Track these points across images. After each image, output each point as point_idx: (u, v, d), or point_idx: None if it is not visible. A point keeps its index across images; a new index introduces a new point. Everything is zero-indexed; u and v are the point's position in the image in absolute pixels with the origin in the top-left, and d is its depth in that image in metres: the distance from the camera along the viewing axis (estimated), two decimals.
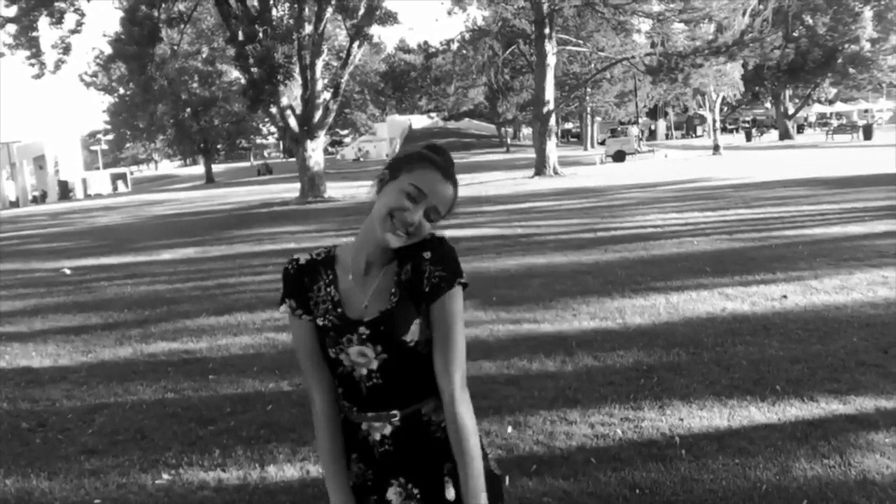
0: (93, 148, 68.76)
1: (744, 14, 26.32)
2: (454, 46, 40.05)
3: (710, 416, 4.13)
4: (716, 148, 36.51)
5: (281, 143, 72.41)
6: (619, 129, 45.30)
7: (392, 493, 1.71)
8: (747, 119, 64.40)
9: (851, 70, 46.97)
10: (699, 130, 63.09)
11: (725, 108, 56.19)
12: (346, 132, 73.60)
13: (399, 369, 1.69)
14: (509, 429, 4.11)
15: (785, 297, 6.74)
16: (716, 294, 7.03)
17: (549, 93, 28.20)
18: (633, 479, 3.44)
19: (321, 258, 1.79)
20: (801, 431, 3.85)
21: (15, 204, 42.84)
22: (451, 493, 1.69)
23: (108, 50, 37.90)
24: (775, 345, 5.34)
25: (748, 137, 51.60)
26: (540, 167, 27.70)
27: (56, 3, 21.69)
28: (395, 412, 1.70)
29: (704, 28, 28.26)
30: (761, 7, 28.69)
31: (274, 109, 22.65)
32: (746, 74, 41.50)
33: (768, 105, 60.07)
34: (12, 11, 21.38)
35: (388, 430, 1.71)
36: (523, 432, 4.05)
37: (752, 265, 8.28)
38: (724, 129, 49.40)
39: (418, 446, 1.71)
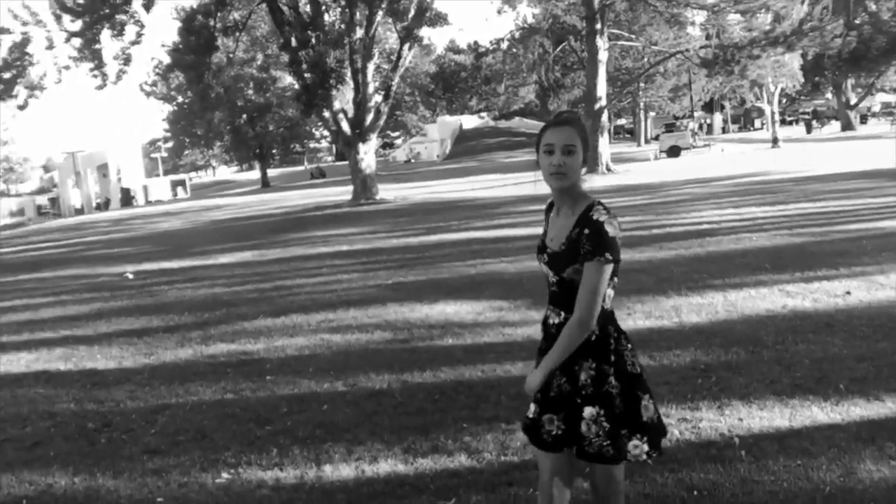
0: (153, 155, 70.74)
1: (802, 2, 25.57)
2: (504, 45, 39.87)
3: (770, 416, 4.03)
4: (774, 141, 35.55)
5: (333, 146, 73.31)
6: (677, 123, 44.46)
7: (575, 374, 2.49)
8: (807, 110, 62.50)
9: None
10: (757, 123, 61.50)
11: (784, 100, 54.78)
12: (397, 134, 74.06)
13: (562, 288, 2.47)
14: None
15: (849, 293, 6.53)
16: (776, 291, 6.84)
17: (601, 89, 27.89)
18: (691, 481, 3.38)
19: (550, 203, 2.61)
20: (866, 432, 3.72)
21: (80, 211, 44.40)
22: (581, 377, 2.44)
23: (167, 60, 38.97)
24: (838, 342, 5.17)
25: (808, 129, 50.05)
26: (592, 164, 27.41)
27: (117, 16, 22.39)
28: (560, 311, 2.49)
29: (761, 18, 27.57)
30: None
31: (327, 113, 22.95)
32: (806, 64, 40.35)
33: (829, 95, 58.21)
34: (77, 26, 22.16)
35: (556, 320, 2.51)
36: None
37: (814, 261, 8.04)
38: (783, 122, 48.07)
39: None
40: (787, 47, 25.86)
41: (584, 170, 2.51)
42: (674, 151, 35.58)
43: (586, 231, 2.38)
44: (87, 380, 6.07)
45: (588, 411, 2.40)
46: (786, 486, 3.27)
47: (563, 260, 2.43)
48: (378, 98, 23.84)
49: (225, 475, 3.93)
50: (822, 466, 3.41)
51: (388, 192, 25.46)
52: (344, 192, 27.17)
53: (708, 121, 59.02)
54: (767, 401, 4.23)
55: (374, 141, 24.70)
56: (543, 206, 2.64)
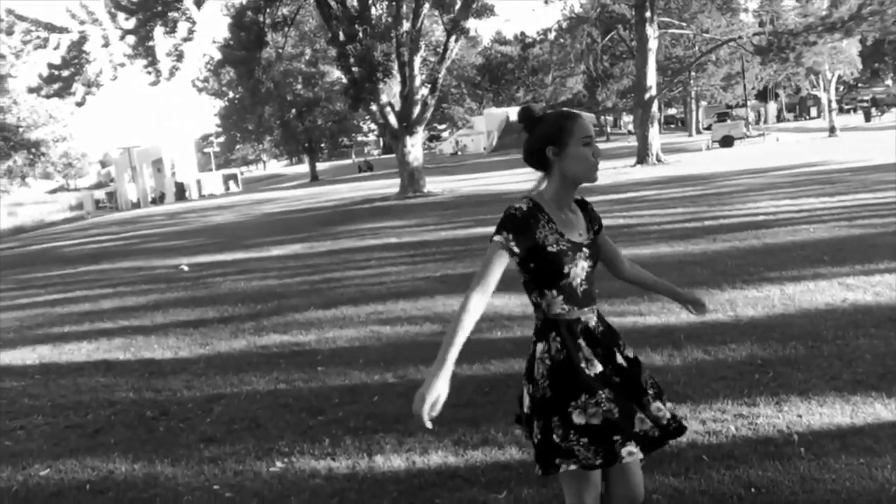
0: (206, 150, 72.13)
1: None
2: (551, 35, 39.52)
3: (831, 412, 3.91)
4: (832, 130, 34.54)
5: (381, 139, 73.72)
6: (732, 112, 43.49)
7: (619, 357, 2.42)
8: (866, 98, 60.53)
9: None
10: (813, 112, 59.81)
11: (842, 88, 53.10)
12: (443, 127, 74.09)
13: (592, 277, 2.43)
14: None
15: None
16: (835, 284, 6.65)
17: (651, 78, 27.43)
18: (749, 478, 3.30)
19: (532, 206, 2.32)
20: None
21: (136, 205, 45.54)
22: (630, 352, 2.48)
23: (218, 56, 39.66)
24: None
25: (867, 118, 48.47)
26: (642, 155, 27.02)
27: (170, 14, 22.88)
28: (594, 307, 2.42)
29: (817, 3, 26.77)
30: None
31: (374, 107, 23.08)
32: (865, 50, 39.04)
33: (889, 83, 56.29)
34: (131, 23, 22.71)
35: (594, 319, 2.41)
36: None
37: (875, 253, 7.78)
38: (840, 110, 46.64)
39: (608, 327, 2.51)
40: (846, 33, 25.06)
41: None
42: (727, 141, 34.85)
43: (591, 210, 2.56)
44: (145, 369, 6.24)
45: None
46: (848, 486, 3.17)
47: (596, 248, 2.48)
48: (425, 91, 23.87)
49: (279, 464, 3.99)
50: (888, 466, 3.29)
51: (436, 185, 25.50)
52: (391, 185, 27.30)
53: (761, 110, 57.63)
54: (828, 397, 4.11)
55: (420, 134, 24.75)
56: (530, 205, 2.31)
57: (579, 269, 2.33)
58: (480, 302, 2.21)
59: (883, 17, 24.41)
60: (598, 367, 2.30)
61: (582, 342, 2.32)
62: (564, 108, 2.36)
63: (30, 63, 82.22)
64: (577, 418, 2.21)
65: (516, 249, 2.25)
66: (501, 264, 2.25)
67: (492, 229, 2.33)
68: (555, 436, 2.21)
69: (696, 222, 11.48)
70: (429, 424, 2.15)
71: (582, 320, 2.35)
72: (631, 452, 2.20)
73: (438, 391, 2.17)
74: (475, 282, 2.23)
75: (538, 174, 2.42)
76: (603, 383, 2.27)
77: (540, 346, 2.35)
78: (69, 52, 22.77)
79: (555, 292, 2.33)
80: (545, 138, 2.33)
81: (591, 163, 2.33)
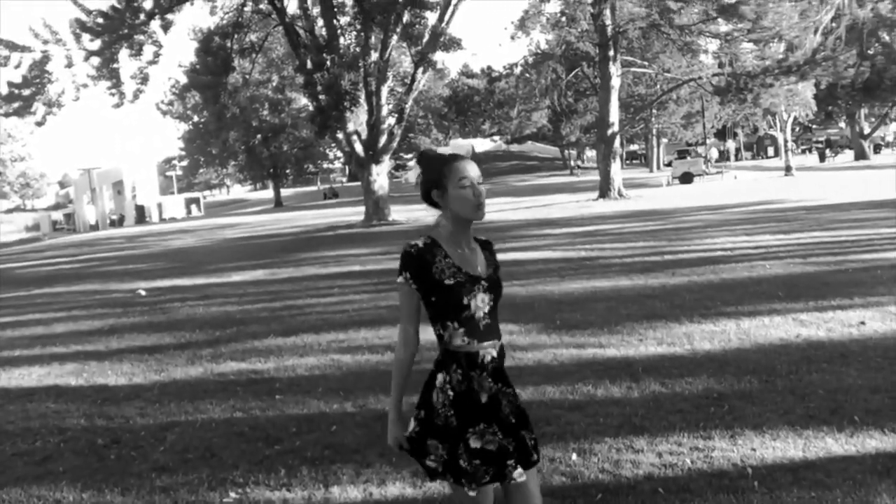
0: (168, 173, 71.28)
1: (816, 32, 25.64)
2: (517, 70, 40.16)
3: (784, 446, 3.98)
4: (788, 169, 35.49)
5: (347, 167, 73.68)
6: (692, 150, 44.42)
7: (508, 390, 2.51)
8: (820, 139, 62.38)
9: None
10: (770, 151, 61.42)
11: (797, 128, 54.67)
12: (409, 156, 74.31)
13: (495, 312, 2.51)
14: (574, 456, 4.04)
15: (863, 323, 6.47)
16: (789, 320, 6.79)
17: (614, 115, 27.96)
18: None
19: (429, 242, 2.46)
20: (881, 465, 3.67)
21: (95, 227, 44.74)
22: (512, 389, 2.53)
23: (184, 80, 39.42)
24: (853, 373, 5.12)
25: (822, 158, 49.93)
26: (604, 190, 27.42)
27: (136, 36, 22.71)
28: (496, 341, 2.50)
29: (774, 47, 27.62)
30: (834, 25, 27.87)
31: (340, 135, 23.13)
32: (819, 93, 40.27)
33: (842, 125, 58.17)
34: (96, 45, 22.48)
35: (493, 353, 2.48)
36: (588, 460, 3.98)
37: (828, 290, 7.98)
38: (796, 150, 47.97)
39: (502, 363, 2.55)
40: (800, 76, 25.92)
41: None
42: (686, 178, 35.54)
43: (491, 248, 2.68)
44: (98, 395, 6.09)
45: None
46: None
47: (498, 283, 2.55)
48: (391, 120, 24.01)
49: (233, 494, 3.91)
50: (838, 499, 3.36)
51: (401, 214, 25.52)
52: (356, 213, 27.27)
53: (721, 148, 58.99)
54: (781, 431, 4.18)
55: (386, 163, 24.82)
56: (428, 241, 2.47)
57: (480, 302, 2.44)
58: (410, 340, 2.47)
59: (836, 62, 25.35)
60: (488, 398, 2.47)
61: (480, 374, 2.45)
62: (447, 153, 2.67)
63: None
64: (474, 443, 2.39)
65: (415, 286, 2.43)
66: (414, 299, 2.46)
67: None
68: (461, 461, 2.38)
69: (656, 256, 11.67)
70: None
71: (481, 353, 2.45)
72: (521, 474, 2.42)
73: (395, 435, 2.51)
74: (401, 324, 2.46)
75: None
76: (496, 413, 2.45)
77: (440, 377, 2.46)
78: (31, 72, 22.42)
79: (456, 324, 2.43)
80: (429, 182, 2.51)
81: (472, 202, 2.45)
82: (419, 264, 2.42)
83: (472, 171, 2.47)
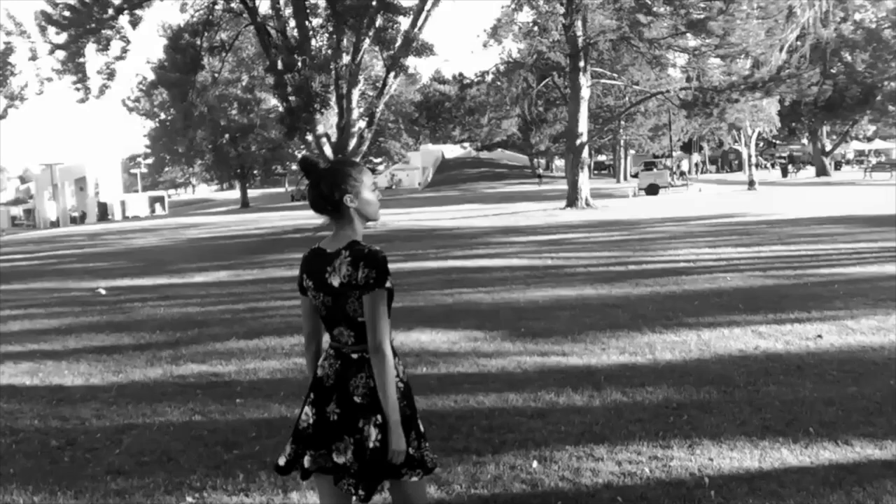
0: (132, 171, 70.19)
1: (781, 50, 26.20)
2: (489, 78, 40.36)
3: (740, 457, 4.04)
4: (751, 183, 36.14)
5: None
6: (660, 162, 45.01)
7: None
8: (783, 155, 63.71)
9: (891, 108, 46.47)
10: (734, 165, 62.52)
11: (761, 144, 55.70)
12: (379, 160, 74.08)
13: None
14: (534, 463, 4.05)
15: (820, 336, 6.61)
16: (748, 332, 6.91)
17: (583, 125, 28.22)
18: None
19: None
20: (834, 476, 3.74)
21: (55, 224, 43.85)
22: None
23: (151, 76, 38.90)
24: (809, 385, 5.22)
25: (784, 173, 50.98)
26: (572, 199, 27.65)
27: (103, 31, 22.35)
28: None
29: (741, 63, 28.13)
30: (798, 43, 28.52)
31: (310, 137, 22.99)
32: (783, 110, 41.17)
33: (805, 141, 59.44)
34: (62, 38, 22.08)
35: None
36: (549, 467, 4.00)
37: (787, 303, 8.14)
38: (759, 165, 48.90)
39: None
40: (765, 92, 26.43)
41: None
42: (652, 189, 35.99)
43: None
44: (53, 396, 5.95)
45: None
46: None
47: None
48: (362, 124, 23.94)
49: (189, 499, 3.85)
50: None
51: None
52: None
53: (689, 161, 59.90)
54: (738, 441, 4.25)
55: None
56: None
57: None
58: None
59: (799, 79, 25.90)
60: None
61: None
62: (348, 159, 2.76)
63: None
64: (422, 426, 2.59)
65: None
66: None
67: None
68: (410, 448, 2.47)
69: (620, 266, 11.79)
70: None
71: (353, 357, 2.56)
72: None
73: (404, 446, 2.45)
74: (386, 335, 2.42)
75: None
76: None
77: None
78: None
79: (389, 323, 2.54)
80: (343, 188, 2.54)
81: (378, 205, 2.65)
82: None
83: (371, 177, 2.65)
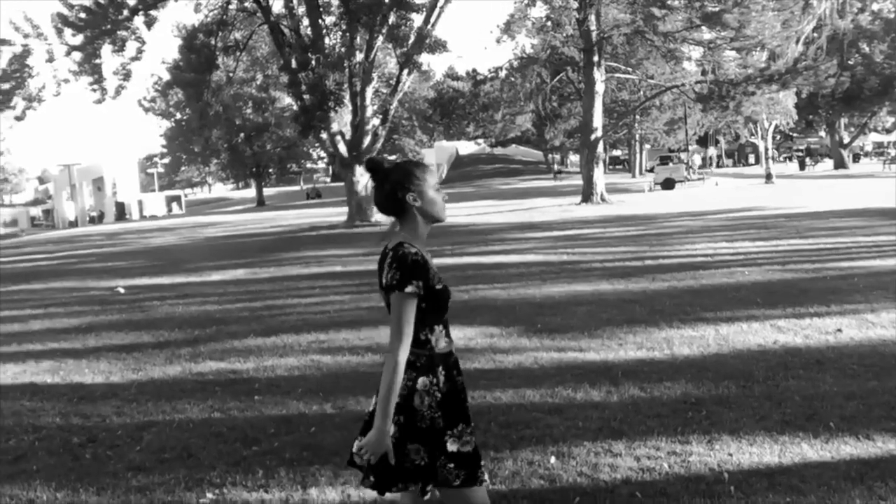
0: (149, 171, 70.74)
1: (797, 42, 25.93)
2: (502, 74, 40.23)
3: (760, 452, 4.02)
4: (768, 177, 35.85)
5: (330, 167, 73.47)
6: (675, 157, 44.76)
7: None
8: (801, 148, 63.15)
9: None
10: (751, 159, 62.04)
11: (778, 137, 55.24)
12: (394, 157, 74.15)
13: None
14: (552, 459, 4.05)
15: (840, 330, 6.55)
16: (767, 326, 6.86)
17: (598, 120, 28.10)
18: None
19: (416, 248, 2.46)
20: (855, 471, 3.71)
21: (74, 224, 44.29)
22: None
23: (167, 76, 39.11)
24: (829, 380, 5.18)
25: (801, 166, 50.53)
26: (587, 194, 27.55)
27: (119, 32, 22.53)
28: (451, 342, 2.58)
29: (757, 56, 27.91)
30: (815, 35, 28.21)
31: (324, 135, 23.05)
32: (800, 102, 40.80)
33: (822, 134, 58.90)
34: (78, 40, 22.27)
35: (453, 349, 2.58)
36: (567, 463, 3.99)
37: (806, 297, 8.07)
38: (773, 158, 48.50)
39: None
40: (782, 85, 26.17)
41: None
42: (668, 184, 35.79)
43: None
44: (74, 394, 6.02)
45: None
46: None
47: None
48: (376, 121, 23.97)
49: (210, 495, 3.88)
50: None
51: (383, 215, 25.44)
52: (339, 214, 27.18)
53: (702, 155, 59.51)
54: (757, 436, 4.22)
55: None
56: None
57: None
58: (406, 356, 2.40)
59: (817, 72, 25.63)
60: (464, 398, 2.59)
61: (458, 375, 2.57)
62: (413, 159, 2.90)
63: None
64: (451, 446, 2.45)
65: (422, 293, 2.41)
66: (414, 313, 2.41)
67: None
68: (418, 460, 2.43)
69: (637, 261, 11.73)
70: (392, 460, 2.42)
71: (454, 353, 2.57)
72: (486, 477, 2.53)
73: (388, 443, 2.39)
74: (401, 340, 2.36)
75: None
76: (468, 414, 2.56)
77: (423, 380, 2.45)
78: (11, 65, 22.21)
79: (440, 328, 2.51)
80: (407, 186, 2.52)
81: (443, 205, 2.58)
82: (425, 270, 2.43)
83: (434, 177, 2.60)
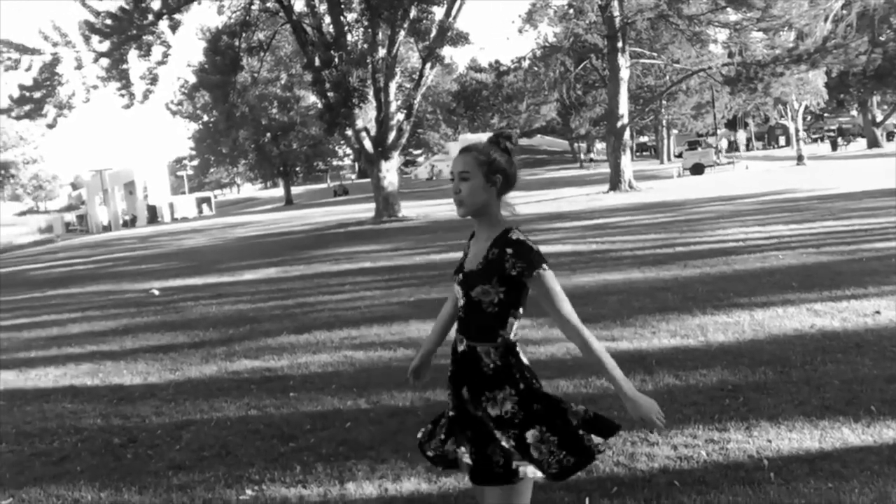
0: (179, 173, 71.61)
1: (826, 20, 25.44)
2: (525, 64, 40.03)
3: (800, 437, 3.96)
4: (799, 158, 35.28)
5: (356, 164, 73.80)
6: (703, 141, 44.20)
7: (464, 391, 2.49)
8: (832, 128, 61.95)
9: None
10: (781, 141, 61.03)
11: (809, 118, 54.26)
12: (419, 152, 74.34)
13: (469, 312, 2.46)
14: None
15: (878, 312, 6.42)
16: (803, 310, 6.75)
17: (623, 107, 27.86)
18: (719, 503, 3.33)
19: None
20: None
21: (107, 228, 45.04)
22: (493, 411, 2.41)
23: (193, 79, 39.57)
24: (868, 363, 5.08)
25: (834, 147, 49.61)
26: (615, 182, 27.35)
27: (144, 37, 22.82)
28: (464, 339, 2.48)
29: (784, 36, 27.42)
30: (844, 12, 27.62)
31: (349, 132, 23.17)
32: (830, 82, 39.97)
33: (854, 113, 57.72)
34: (105, 46, 22.59)
35: (462, 348, 2.49)
36: (603, 453, 3.96)
37: (842, 280, 7.93)
38: (808, 139, 47.68)
39: (471, 371, 2.46)
40: (811, 65, 25.71)
41: (502, 196, 2.53)
42: (697, 169, 35.40)
43: (509, 251, 2.37)
44: (114, 395, 6.13)
45: (532, 434, 2.39)
46: None
47: (476, 279, 2.42)
48: (400, 116, 24.02)
49: (249, 492, 3.93)
50: (855, 490, 3.34)
51: (411, 210, 25.54)
52: (366, 210, 27.30)
53: (732, 138, 58.67)
54: (797, 422, 4.16)
55: (396, 159, 24.85)
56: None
57: (458, 291, 2.54)
58: None
59: (847, 49, 25.10)
60: None
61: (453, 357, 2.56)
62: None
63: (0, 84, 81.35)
64: (505, 441, 2.43)
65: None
66: None
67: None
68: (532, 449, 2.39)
69: (668, 248, 11.62)
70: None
71: (457, 342, 2.55)
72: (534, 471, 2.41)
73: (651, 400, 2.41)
74: (576, 315, 2.45)
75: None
76: None
77: (518, 363, 2.50)
78: (41, 74, 22.56)
79: (521, 311, 2.51)
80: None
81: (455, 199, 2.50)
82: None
83: (455, 165, 2.49)
